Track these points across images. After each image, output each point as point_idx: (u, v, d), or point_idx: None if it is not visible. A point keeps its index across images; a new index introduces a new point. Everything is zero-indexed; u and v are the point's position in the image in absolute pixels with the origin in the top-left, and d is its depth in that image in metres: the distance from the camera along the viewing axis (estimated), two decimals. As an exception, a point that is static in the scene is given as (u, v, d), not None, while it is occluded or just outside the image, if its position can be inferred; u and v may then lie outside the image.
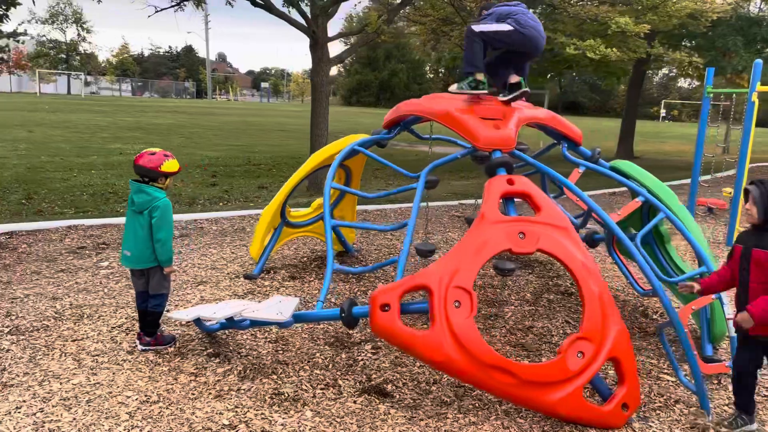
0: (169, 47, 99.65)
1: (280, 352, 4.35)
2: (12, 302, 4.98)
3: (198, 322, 4.23)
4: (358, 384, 3.94)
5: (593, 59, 13.67)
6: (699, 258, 4.42)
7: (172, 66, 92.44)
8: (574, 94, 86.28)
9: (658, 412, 3.75)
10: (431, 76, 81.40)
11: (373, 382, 3.96)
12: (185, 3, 13.08)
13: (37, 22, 65.15)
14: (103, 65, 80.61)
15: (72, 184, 10.94)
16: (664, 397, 3.92)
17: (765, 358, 3.44)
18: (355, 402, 3.71)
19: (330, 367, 4.16)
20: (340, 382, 3.96)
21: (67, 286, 5.41)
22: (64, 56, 69.01)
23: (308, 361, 4.21)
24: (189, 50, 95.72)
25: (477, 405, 3.74)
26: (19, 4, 8.91)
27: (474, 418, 3.57)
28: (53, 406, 3.46)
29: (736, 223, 8.17)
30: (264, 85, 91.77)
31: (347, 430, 3.41)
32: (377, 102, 78.82)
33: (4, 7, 8.44)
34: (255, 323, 4.15)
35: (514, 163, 4.10)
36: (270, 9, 10.69)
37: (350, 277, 6.05)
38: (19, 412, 3.38)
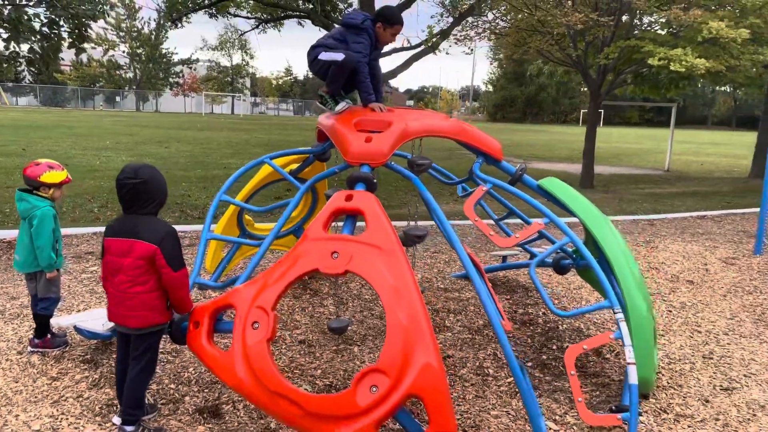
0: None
1: (178, 362, 4.32)
2: (-25, 300, 5.45)
3: (78, 329, 4.36)
4: (203, 402, 3.82)
5: (695, 70, 12.23)
6: (603, 291, 3.78)
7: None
8: (750, 107, 78.27)
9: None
10: (584, 89, 77.80)
11: (218, 401, 3.83)
12: (267, 26, 13.81)
13: (207, 49, 71.86)
14: (270, 86, 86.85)
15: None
16: (516, 448, 3.38)
17: None
18: (179, 421, 3.59)
19: (198, 381, 4.07)
20: (187, 398, 3.86)
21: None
22: (229, 79, 75.32)
23: (184, 374, 4.15)
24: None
25: (297, 436, 3.47)
26: (84, 47, 9.89)
27: (277, 450, 3.32)
28: None
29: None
30: (409, 102, 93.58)
31: (145, 449, 3.32)
32: (523, 118, 76.90)
33: (77, 42, 9.41)
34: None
35: (375, 179, 3.77)
36: (313, 20, 10.94)
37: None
38: None
